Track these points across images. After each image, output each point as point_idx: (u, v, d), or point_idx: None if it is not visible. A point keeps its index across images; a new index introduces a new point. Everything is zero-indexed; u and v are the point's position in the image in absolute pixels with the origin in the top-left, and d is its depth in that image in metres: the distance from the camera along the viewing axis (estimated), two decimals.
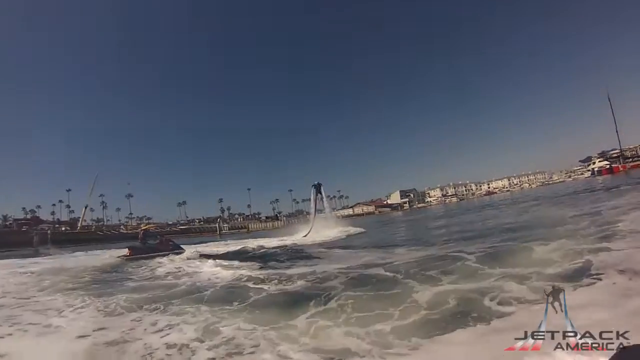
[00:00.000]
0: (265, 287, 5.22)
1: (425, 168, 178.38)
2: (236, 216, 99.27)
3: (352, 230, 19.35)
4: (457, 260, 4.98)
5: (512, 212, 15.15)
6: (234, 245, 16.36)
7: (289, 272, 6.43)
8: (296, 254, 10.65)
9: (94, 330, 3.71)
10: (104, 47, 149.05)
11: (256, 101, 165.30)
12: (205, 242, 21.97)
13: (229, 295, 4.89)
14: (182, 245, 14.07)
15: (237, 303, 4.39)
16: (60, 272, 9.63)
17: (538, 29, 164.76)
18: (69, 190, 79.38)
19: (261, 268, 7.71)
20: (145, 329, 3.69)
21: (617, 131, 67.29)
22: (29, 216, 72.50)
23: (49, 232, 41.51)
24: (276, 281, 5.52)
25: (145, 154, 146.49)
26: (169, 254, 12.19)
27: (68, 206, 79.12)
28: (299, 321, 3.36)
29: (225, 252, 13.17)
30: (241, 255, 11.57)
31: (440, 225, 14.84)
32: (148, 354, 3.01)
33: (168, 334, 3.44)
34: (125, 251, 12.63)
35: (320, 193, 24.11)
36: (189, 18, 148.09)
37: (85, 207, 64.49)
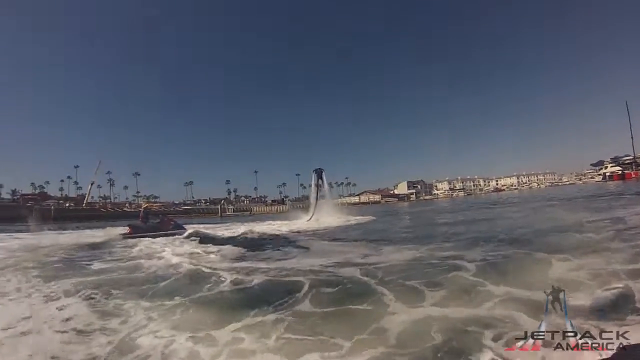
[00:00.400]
0: (224, 279, 4.66)
1: (434, 160, 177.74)
2: (242, 198, 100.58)
3: (354, 219, 18.16)
4: (451, 269, 3.99)
5: (524, 213, 13.86)
6: (229, 228, 15.87)
7: (259, 265, 5.73)
8: (283, 242, 9.92)
9: (18, 320, 3.23)
10: (119, 21, 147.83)
11: (267, 88, 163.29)
12: (204, 224, 21.51)
13: (180, 288, 4.36)
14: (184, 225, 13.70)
15: (179, 298, 3.82)
16: (35, 249, 9.25)
17: (552, 26, 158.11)
18: (76, 167, 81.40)
19: (235, 258, 7.06)
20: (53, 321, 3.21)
21: (632, 137, 65.17)
22: (37, 192, 74.23)
23: (52, 208, 42.46)
24: (238, 274, 4.87)
25: (155, 132, 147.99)
26: (171, 233, 12.00)
27: (76, 182, 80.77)
28: (223, 333, 2.71)
29: (215, 235, 12.65)
30: (228, 240, 10.98)
31: (444, 221, 13.53)
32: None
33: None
34: (126, 229, 12.44)
35: (322, 179, 22.87)
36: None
37: (91, 184, 65.09)
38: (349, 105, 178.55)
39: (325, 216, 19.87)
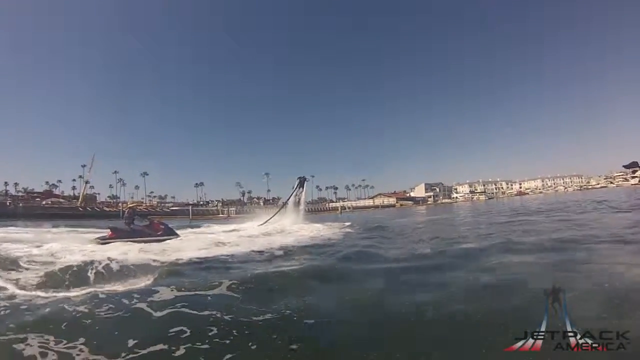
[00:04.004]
0: None
1: (454, 162, 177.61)
2: (255, 200, 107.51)
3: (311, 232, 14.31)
4: None
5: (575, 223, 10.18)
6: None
7: None
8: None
9: None
10: (129, 22, 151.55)
11: (283, 88, 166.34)
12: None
13: None
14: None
15: None
16: None
17: (580, 24, 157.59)
18: (83, 166, 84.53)
19: None
20: None
21: None
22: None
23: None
24: None
25: (166, 131, 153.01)
26: (159, 240, 10.81)
27: (87, 182, 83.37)
28: None
29: None
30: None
31: (462, 249, 7.21)
32: None
33: None
34: (107, 232, 10.90)
35: (302, 188, 24.38)
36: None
37: (86, 183, 72.62)
38: (370, 107, 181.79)
39: (285, 220, 20.90)
